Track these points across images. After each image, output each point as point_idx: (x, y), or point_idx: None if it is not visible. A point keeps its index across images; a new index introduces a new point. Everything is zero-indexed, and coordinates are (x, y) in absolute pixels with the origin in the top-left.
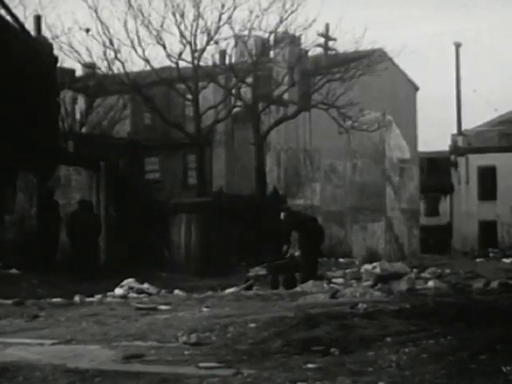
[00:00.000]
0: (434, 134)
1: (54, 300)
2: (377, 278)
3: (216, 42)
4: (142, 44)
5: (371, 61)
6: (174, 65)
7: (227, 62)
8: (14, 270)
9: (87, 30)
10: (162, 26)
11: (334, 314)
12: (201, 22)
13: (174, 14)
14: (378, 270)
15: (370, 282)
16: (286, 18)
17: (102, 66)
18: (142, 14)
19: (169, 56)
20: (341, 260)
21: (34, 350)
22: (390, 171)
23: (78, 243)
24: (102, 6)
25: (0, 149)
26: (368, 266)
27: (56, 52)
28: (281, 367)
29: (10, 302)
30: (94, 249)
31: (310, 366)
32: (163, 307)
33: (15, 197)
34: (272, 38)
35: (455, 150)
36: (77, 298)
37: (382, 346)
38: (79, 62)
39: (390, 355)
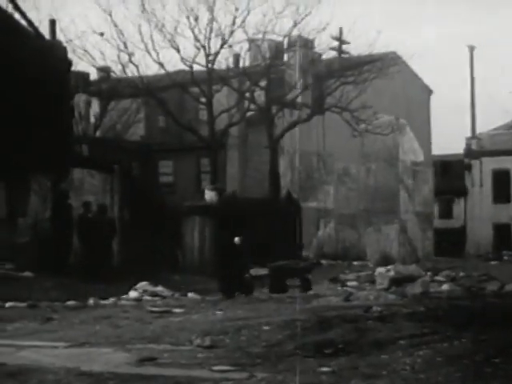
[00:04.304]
0: (448, 137)
1: (68, 303)
2: (391, 281)
3: (230, 46)
4: (156, 47)
5: (385, 64)
6: (187, 68)
7: (241, 65)
8: (27, 273)
9: (101, 34)
10: (175, 29)
11: (348, 316)
12: (215, 26)
13: (187, 18)
14: (391, 273)
15: (383, 285)
16: (300, 22)
17: (116, 70)
18: (156, 18)
19: (183, 59)
20: (354, 263)
21: (47, 352)
22: (403, 174)
23: (92, 246)
24: (116, 10)
25: (14, 152)
26: (382, 269)
27: (70, 56)
28: (294, 370)
29: (23, 304)
30: (107, 251)
31: (323, 369)
32: (177, 310)
33: (29, 200)
34: (286, 41)
35: (469, 153)
36: (91, 301)
37: (395, 348)
38: (93, 66)
39: (404, 358)
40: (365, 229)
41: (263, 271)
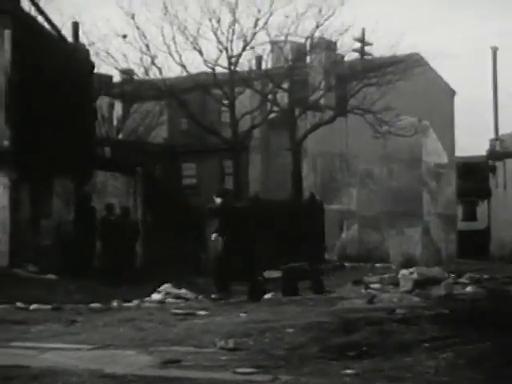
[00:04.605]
0: (472, 138)
1: (92, 305)
2: (414, 283)
3: (252, 48)
4: (179, 50)
5: (407, 65)
6: (210, 70)
7: (263, 67)
8: (50, 275)
9: (124, 36)
10: (198, 31)
11: (372, 319)
12: (237, 28)
13: (210, 20)
14: (415, 275)
15: (407, 288)
16: (322, 24)
17: (139, 72)
18: (179, 20)
19: (205, 62)
20: (378, 265)
21: (71, 355)
22: (426, 176)
23: (115, 248)
24: (139, 12)
25: (38, 154)
26: (405, 271)
27: (93, 58)
28: (318, 373)
29: (47, 307)
30: (130, 254)
31: (347, 371)
32: (200, 312)
33: (52, 202)
34: (308, 43)
35: (492, 154)
36: (114, 303)
37: (419, 351)
38: (116, 68)
39: (428, 361)
40: (388, 231)
41: (276, 274)
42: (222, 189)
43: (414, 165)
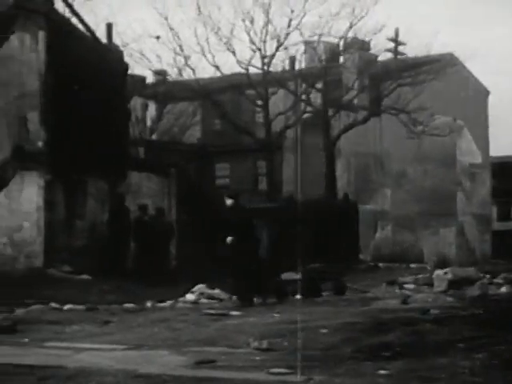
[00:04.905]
0: (506, 138)
1: (126, 305)
2: (448, 284)
3: (285, 48)
4: (212, 50)
5: (441, 65)
6: (243, 71)
7: (297, 67)
8: (85, 276)
9: (157, 37)
10: (231, 32)
11: (406, 319)
12: (270, 28)
13: (243, 21)
14: (449, 276)
15: (441, 288)
16: (356, 23)
17: (173, 73)
18: (212, 21)
19: (238, 62)
20: (412, 265)
21: (105, 355)
22: (461, 176)
23: (149, 249)
24: (172, 14)
25: (71, 156)
26: (439, 272)
27: (126, 59)
28: (352, 373)
29: (81, 307)
30: (164, 254)
31: (381, 372)
32: (234, 313)
33: (86, 203)
34: (342, 43)
35: None
36: (148, 304)
37: (454, 351)
38: (150, 69)
39: (463, 361)
40: (422, 231)
41: (295, 276)
42: (234, 190)
43: (448, 165)
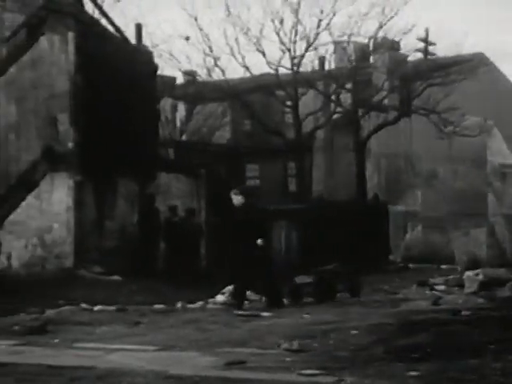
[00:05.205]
0: None
1: (156, 306)
2: (479, 285)
3: (315, 48)
4: (242, 51)
5: (472, 65)
6: (273, 71)
7: (326, 68)
8: (115, 277)
9: (187, 38)
10: (261, 32)
11: (436, 320)
12: (300, 29)
13: (272, 21)
14: (480, 277)
15: (472, 289)
16: (386, 23)
17: (202, 74)
18: (241, 21)
19: (268, 63)
20: (442, 266)
21: (136, 356)
22: (491, 176)
23: (179, 250)
24: (202, 14)
25: (101, 156)
26: (470, 273)
27: (156, 60)
28: (382, 375)
29: (112, 308)
30: (194, 255)
31: (411, 373)
32: (264, 314)
33: (116, 203)
34: (371, 43)
35: None
36: (178, 305)
37: (485, 353)
38: (179, 70)
39: (494, 363)
40: (452, 232)
41: (309, 278)
42: (245, 187)
43: (478, 165)
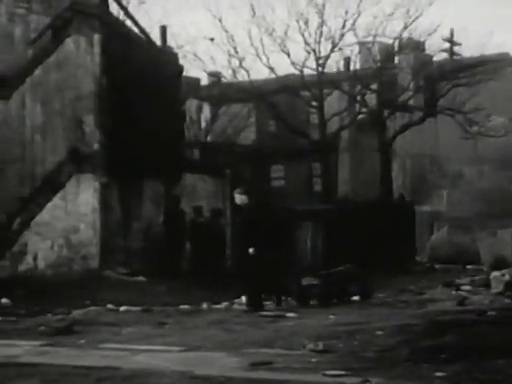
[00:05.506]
0: None
1: (181, 307)
2: (506, 285)
3: (340, 49)
4: (266, 52)
5: (498, 65)
6: (298, 72)
7: (351, 68)
8: (140, 277)
9: (212, 39)
10: (285, 33)
11: (463, 321)
12: (324, 29)
13: (297, 22)
14: (506, 277)
15: (498, 289)
16: (411, 24)
17: (227, 75)
18: (266, 22)
19: (293, 63)
20: (468, 267)
21: (162, 356)
22: None
23: (204, 250)
24: (226, 15)
25: (127, 158)
26: (496, 273)
27: (181, 61)
28: (408, 375)
29: (137, 308)
30: (220, 256)
31: (437, 374)
32: (290, 314)
33: (142, 204)
34: (396, 43)
35: None
36: (204, 305)
37: (511, 354)
38: (204, 71)
39: None
40: (478, 232)
41: (316, 280)
42: (246, 186)
43: (505, 165)
